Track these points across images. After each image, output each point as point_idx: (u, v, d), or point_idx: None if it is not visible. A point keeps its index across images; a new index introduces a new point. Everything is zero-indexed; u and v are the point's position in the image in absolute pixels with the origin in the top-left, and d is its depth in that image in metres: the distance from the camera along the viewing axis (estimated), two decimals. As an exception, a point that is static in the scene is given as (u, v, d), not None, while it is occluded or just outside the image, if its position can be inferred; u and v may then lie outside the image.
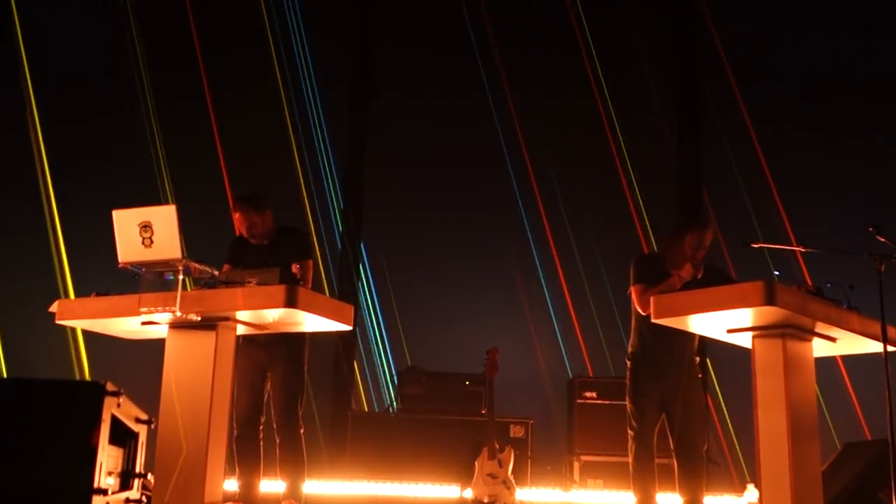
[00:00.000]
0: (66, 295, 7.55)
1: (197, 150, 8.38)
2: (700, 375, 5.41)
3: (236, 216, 5.38)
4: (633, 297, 5.23)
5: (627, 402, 5.36)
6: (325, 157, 8.58)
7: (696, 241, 5.14)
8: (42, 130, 8.25)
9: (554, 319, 8.06)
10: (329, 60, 8.87)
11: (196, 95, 8.46)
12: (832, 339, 5.02)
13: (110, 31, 8.63)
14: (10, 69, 8.31)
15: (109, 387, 2.93)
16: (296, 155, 8.50)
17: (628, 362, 5.42)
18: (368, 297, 8.26)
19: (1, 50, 8.42)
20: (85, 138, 8.34)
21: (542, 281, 8.16)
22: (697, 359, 5.44)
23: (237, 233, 5.42)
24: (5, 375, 7.44)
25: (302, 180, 8.44)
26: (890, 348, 4.94)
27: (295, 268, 5.07)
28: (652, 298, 4.88)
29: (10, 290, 7.71)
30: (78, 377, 7.13)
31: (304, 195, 8.39)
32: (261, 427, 5.34)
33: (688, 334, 5.17)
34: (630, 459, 5.30)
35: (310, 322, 5.02)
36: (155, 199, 4.72)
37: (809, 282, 4.93)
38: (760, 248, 5.36)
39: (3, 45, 8.43)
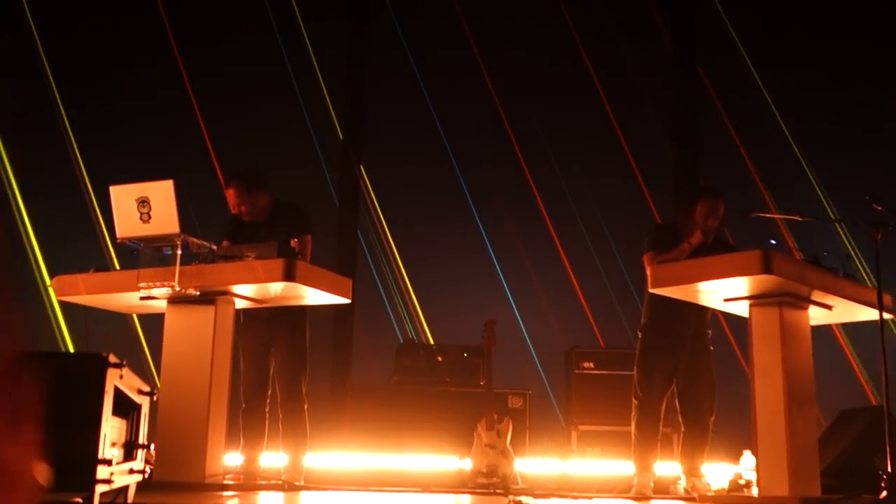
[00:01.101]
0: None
1: (195, 124, 8.35)
2: (710, 347, 5.43)
3: (228, 193, 5.38)
4: (646, 263, 5.23)
5: (635, 372, 5.37)
6: (323, 129, 8.56)
7: (708, 209, 5.14)
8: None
9: (554, 290, 8.07)
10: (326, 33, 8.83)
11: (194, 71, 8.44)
12: (828, 307, 5.07)
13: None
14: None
15: (112, 359, 2.95)
16: (297, 125, 8.48)
17: (639, 333, 5.43)
18: (371, 268, 8.27)
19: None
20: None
21: (541, 251, 8.17)
22: (709, 332, 5.46)
23: (232, 210, 5.42)
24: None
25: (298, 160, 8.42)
26: (886, 316, 4.97)
27: (294, 242, 5.08)
28: (649, 268, 4.92)
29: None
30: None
31: (305, 172, 8.37)
32: (267, 401, 5.38)
33: (700, 307, 5.20)
34: (633, 428, 5.33)
35: (308, 295, 5.06)
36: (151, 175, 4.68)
37: (804, 251, 4.94)
38: (759, 217, 5.39)
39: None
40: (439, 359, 6.85)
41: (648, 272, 5.06)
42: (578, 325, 7.70)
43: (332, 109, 8.56)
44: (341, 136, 8.48)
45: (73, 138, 8.09)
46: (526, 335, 7.63)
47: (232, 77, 8.42)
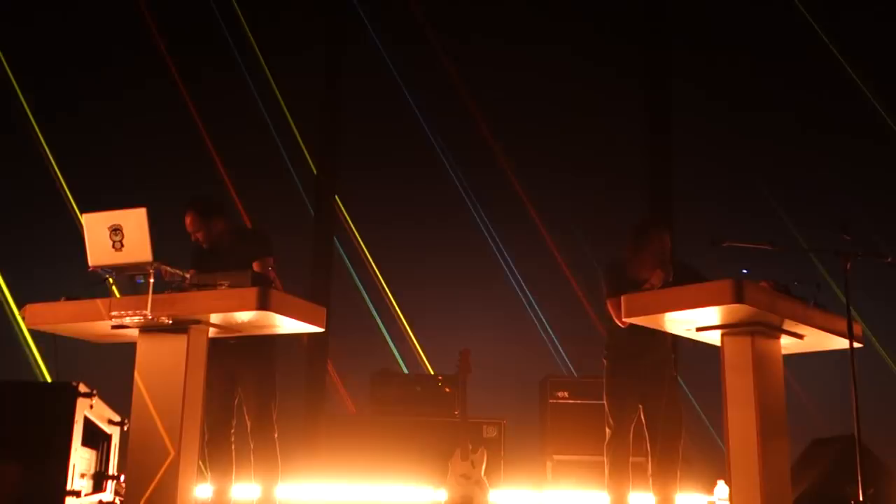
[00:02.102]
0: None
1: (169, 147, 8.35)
2: (675, 374, 5.46)
3: (186, 220, 5.38)
4: (610, 309, 5.25)
5: (605, 399, 5.39)
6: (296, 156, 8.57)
7: (660, 244, 5.19)
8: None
9: (528, 319, 8.09)
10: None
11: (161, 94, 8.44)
12: (800, 336, 5.09)
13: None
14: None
15: (82, 388, 2.93)
16: (271, 145, 8.49)
17: (605, 361, 5.44)
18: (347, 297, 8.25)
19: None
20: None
21: (514, 282, 8.19)
22: (673, 356, 5.49)
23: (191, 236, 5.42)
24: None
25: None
26: (856, 345, 5.01)
27: (256, 265, 5.09)
28: (623, 298, 4.93)
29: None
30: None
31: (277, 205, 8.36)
32: (232, 431, 5.33)
33: (663, 333, 5.22)
34: (606, 457, 5.32)
35: (282, 324, 5.02)
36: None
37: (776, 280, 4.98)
38: (730, 245, 5.42)
39: None
40: (415, 388, 6.84)
41: (616, 316, 5.12)
42: (553, 353, 7.72)
43: (303, 146, 8.56)
44: (314, 171, 8.48)
45: (53, 162, 8.09)
46: (501, 364, 7.62)
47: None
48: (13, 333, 7.37)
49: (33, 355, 7.28)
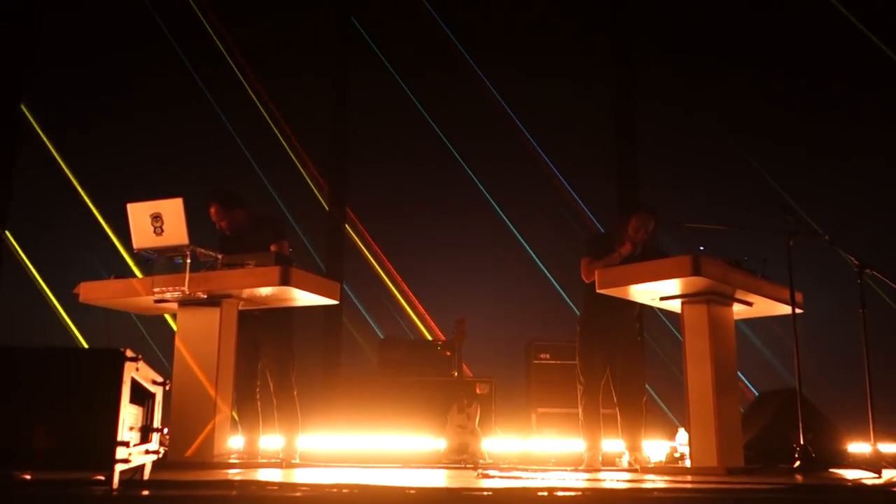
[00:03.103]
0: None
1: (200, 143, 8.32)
2: (639, 338, 5.48)
3: (210, 211, 5.38)
4: (582, 266, 5.28)
5: (577, 360, 5.42)
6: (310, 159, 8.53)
7: (639, 223, 5.20)
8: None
9: (515, 289, 8.09)
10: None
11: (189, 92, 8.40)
12: (749, 304, 5.13)
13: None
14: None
15: (129, 353, 2.95)
16: (287, 147, 8.44)
17: (578, 326, 5.47)
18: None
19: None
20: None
21: (505, 255, 8.18)
22: (637, 325, 5.51)
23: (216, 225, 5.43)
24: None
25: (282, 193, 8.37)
26: (797, 311, 5.04)
27: (274, 247, 5.13)
28: (597, 272, 4.95)
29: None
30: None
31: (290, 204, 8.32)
32: (256, 390, 5.36)
33: (629, 303, 5.24)
34: (580, 410, 5.37)
35: (302, 297, 5.05)
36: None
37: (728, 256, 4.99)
38: (689, 226, 5.44)
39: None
40: (418, 352, 6.87)
41: (584, 273, 5.21)
42: (537, 319, 7.72)
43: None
44: (327, 187, 8.45)
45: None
46: (491, 329, 7.63)
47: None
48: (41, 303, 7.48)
49: (67, 325, 7.37)
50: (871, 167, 8.03)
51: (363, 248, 8.29)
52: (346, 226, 8.33)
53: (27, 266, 7.81)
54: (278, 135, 8.42)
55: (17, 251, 7.82)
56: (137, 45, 8.46)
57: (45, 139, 8.25)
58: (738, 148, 8.24)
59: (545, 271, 8.06)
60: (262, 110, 8.47)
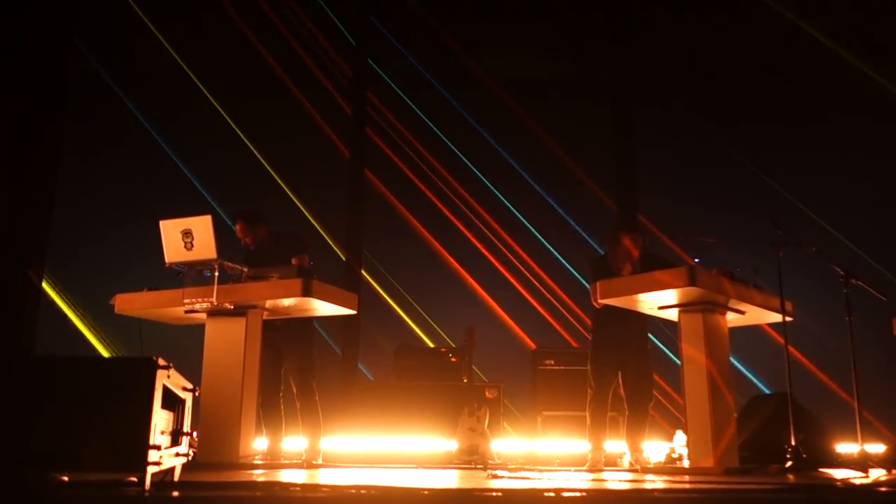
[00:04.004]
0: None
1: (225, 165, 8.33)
2: (647, 348, 5.43)
3: (236, 228, 5.38)
4: (591, 294, 5.23)
5: (589, 366, 5.36)
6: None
7: (632, 243, 5.17)
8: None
9: (522, 300, 8.06)
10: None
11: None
12: (742, 312, 5.08)
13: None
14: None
15: (161, 362, 2.93)
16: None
17: (591, 336, 5.42)
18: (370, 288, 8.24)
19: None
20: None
21: (510, 269, 8.16)
22: (646, 334, 5.46)
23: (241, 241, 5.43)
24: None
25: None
26: (787, 319, 4.99)
27: (294, 260, 5.13)
28: (598, 283, 4.92)
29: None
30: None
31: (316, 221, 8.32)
32: (280, 395, 5.34)
33: (637, 315, 5.20)
34: (588, 413, 5.31)
35: (322, 308, 5.04)
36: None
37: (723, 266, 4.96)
38: (686, 239, 5.43)
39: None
40: (430, 358, 6.84)
41: (593, 291, 5.12)
42: (543, 328, 7.70)
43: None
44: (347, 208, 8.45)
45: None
46: (500, 338, 7.60)
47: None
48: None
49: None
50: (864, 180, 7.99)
51: (381, 265, 8.28)
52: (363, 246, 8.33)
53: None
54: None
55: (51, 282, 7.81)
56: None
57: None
58: (732, 162, 8.22)
59: (550, 282, 8.03)
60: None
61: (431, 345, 7.76)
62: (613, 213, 8.19)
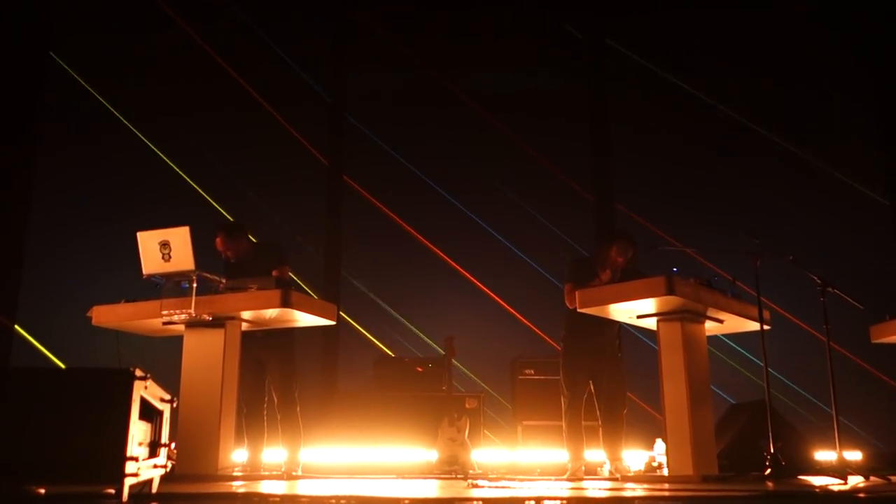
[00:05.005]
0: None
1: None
2: (620, 354, 5.45)
3: (216, 241, 5.36)
4: (565, 292, 5.25)
5: (561, 375, 5.37)
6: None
7: (619, 251, 5.18)
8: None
9: (500, 309, 8.07)
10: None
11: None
12: (720, 321, 5.13)
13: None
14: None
15: (138, 372, 2.91)
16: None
17: (562, 343, 5.43)
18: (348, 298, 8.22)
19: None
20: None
21: (492, 278, 8.17)
22: (618, 342, 5.48)
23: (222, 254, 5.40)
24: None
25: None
26: (765, 327, 5.04)
27: (275, 272, 5.09)
28: (577, 292, 4.94)
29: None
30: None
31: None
32: (264, 406, 5.31)
33: (609, 322, 5.22)
34: (563, 423, 5.32)
35: (301, 318, 5.03)
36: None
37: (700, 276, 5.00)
38: (663, 249, 5.46)
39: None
40: (410, 369, 6.83)
41: (567, 298, 5.19)
42: (521, 337, 7.70)
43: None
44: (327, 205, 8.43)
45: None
46: (479, 346, 7.59)
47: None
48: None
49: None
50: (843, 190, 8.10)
51: (359, 274, 8.27)
52: (342, 248, 8.32)
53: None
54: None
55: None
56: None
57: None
58: (707, 172, 8.30)
59: (527, 292, 8.04)
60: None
61: (412, 355, 7.73)
62: (591, 223, 8.24)
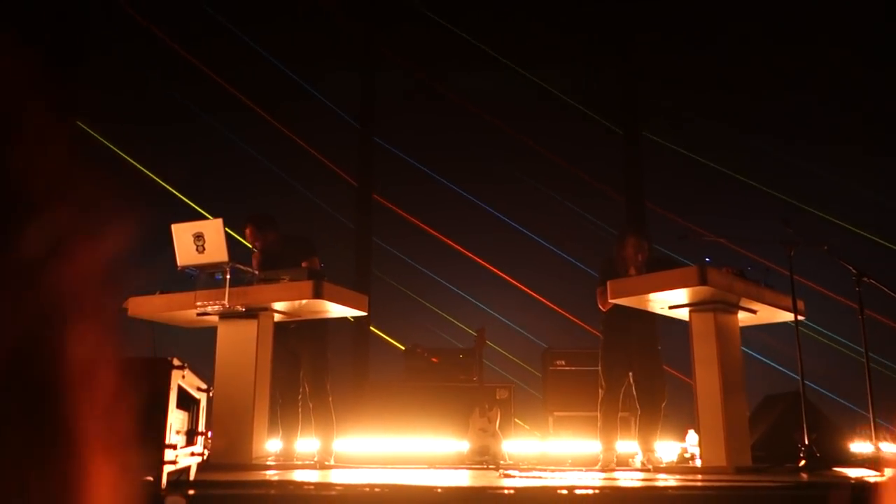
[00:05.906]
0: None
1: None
2: (659, 347, 5.43)
3: (245, 233, 5.41)
4: (598, 295, 5.25)
5: (600, 367, 5.35)
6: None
7: (635, 247, 5.16)
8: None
9: (533, 300, 8.07)
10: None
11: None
12: (753, 311, 5.08)
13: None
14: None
15: (175, 362, 2.96)
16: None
17: (601, 336, 5.42)
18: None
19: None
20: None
21: (524, 268, 8.17)
22: (657, 335, 5.46)
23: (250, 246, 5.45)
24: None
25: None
26: (799, 318, 4.99)
27: (305, 264, 5.12)
28: (609, 283, 4.93)
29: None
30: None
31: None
32: (298, 397, 5.36)
33: (648, 314, 5.20)
34: (599, 413, 5.31)
35: (333, 309, 5.06)
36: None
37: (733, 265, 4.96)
38: (696, 238, 5.43)
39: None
40: (438, 360, 6.85)
41: (599, 301, 5.21)
42: (554, 328, 7.70)
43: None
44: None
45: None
46: (510, 338, 7.61)
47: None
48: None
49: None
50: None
51: (391, 264, 8.30)
52: (373, 240, 8.36)
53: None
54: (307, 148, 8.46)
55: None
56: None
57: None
58: (742, 160, 8.22)
59: (560, 283, 8.03)
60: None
61: (443, 345, 7.76)
62: (622, 213, 8.21)
